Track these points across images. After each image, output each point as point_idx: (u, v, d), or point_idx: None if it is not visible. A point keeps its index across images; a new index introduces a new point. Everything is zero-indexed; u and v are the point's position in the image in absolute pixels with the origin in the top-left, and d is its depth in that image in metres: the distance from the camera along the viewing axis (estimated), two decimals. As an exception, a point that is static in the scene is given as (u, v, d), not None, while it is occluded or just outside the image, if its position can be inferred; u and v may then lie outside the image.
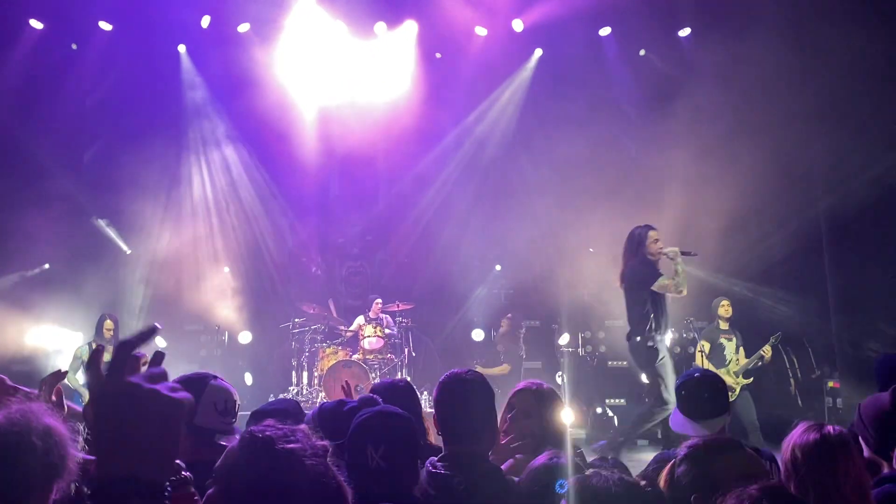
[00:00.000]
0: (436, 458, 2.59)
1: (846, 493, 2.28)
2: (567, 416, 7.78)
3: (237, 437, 1.60)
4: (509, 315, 10.50)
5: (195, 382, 2.64)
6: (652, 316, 6.43)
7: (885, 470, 2.61)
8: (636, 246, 6.63)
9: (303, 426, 1.62)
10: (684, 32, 10.09)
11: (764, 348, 7.64)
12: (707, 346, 7.88)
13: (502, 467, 2.66)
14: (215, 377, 2.74)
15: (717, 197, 8.87)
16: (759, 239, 8.73)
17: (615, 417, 9.41)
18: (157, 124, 10.30)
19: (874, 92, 8.02)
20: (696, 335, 8.39)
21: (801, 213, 8.95)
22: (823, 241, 8.96)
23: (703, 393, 3.29)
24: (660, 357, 6.44)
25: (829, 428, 2.43)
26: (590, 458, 3.55)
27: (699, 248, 7.22)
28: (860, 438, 2.99)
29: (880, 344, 7.45)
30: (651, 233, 6.67)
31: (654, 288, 6.38)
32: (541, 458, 2.22)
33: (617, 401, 9.72)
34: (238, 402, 2.74)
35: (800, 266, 8.73)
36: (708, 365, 7.73)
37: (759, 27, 8.39)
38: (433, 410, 2.77)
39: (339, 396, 3.42)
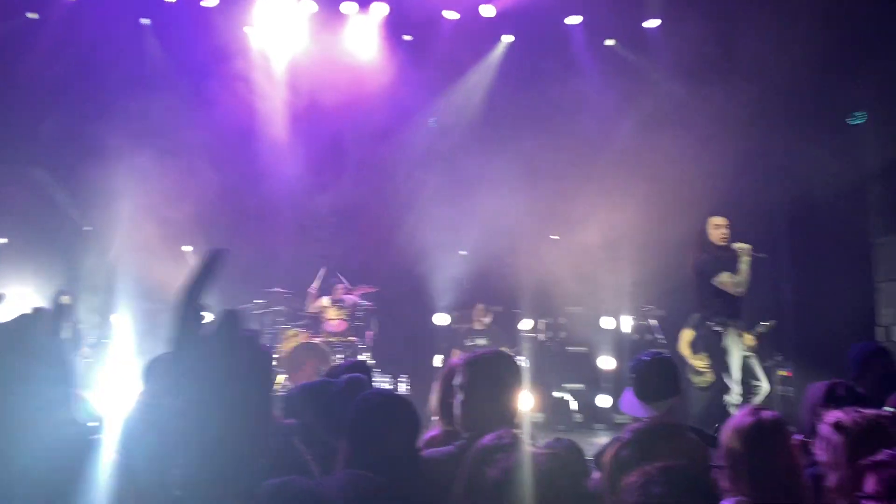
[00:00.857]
0: (471, 435, 2.60)
1: (778, 475, 2.39)
2: (526, 400, 7.88)
3: None
4: (481, 306, 10.22)
5: None
6: (718, 301, 6.47)
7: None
8: (699, 237, 6.63)
9: None
10: (652, 24, 10.17)
11: (746, 336, 7.72)
12: (690, 334, 7.97)
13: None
14: None
15: (681, 188, 9.02)
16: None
17: (572, 402, 9.55)
18: (119, 98, 10.06)
19: (835, 89, 8.23)
20: (653, 322, 8.54)
21: (761, 206, 9.15)
22: (781, 230, 9.19)
23: (651, 375, 3.40)
24: (723, 341, 6.45)
25: (764, 413, 2.54)
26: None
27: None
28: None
29: (833, 334, 7.66)
30: (711, 219, 6.64)
31: (714, 283, 6.39)
32: (485, 439, 2.26)
33: (575, 385, 9.87)
34: None
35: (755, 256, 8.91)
36: (685, 351, 7.87)
37: (726, 21, 8.53)
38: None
39: (303, 378, 3.44)
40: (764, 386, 6.49)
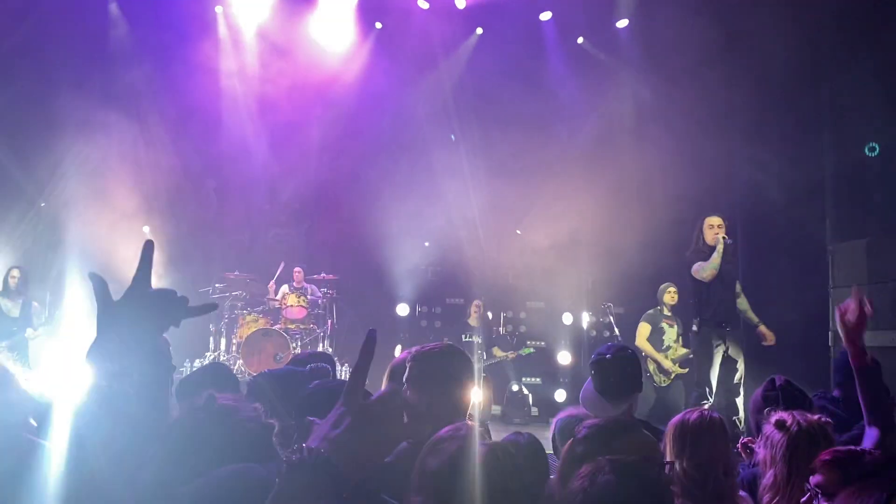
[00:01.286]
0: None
1: (706, 473, 2.47)
2: (475, 394, 7.88)
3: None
4: (478, 301, 9.88)
5: None
6: (693, 302, 6.57)
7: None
8: (696, 237, 6.65)
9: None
10: (622, 24, 10.26)
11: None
12: (648, 329, 8.06)
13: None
14: None
15: (644, 186, 9.14)
16: (679, 231, 9.02)
17: (530, 395, 9.64)
18: (79, 73, 9.81)
19: (795, 99, 8.41)
20: (612, 320, 8.63)
21: (720, 210, 9.30)
22: (737, 235, 9.35)
23: (609, 374, 3.31)
24: (702, 343, 6.52)
25: (695, 414, 2.66)
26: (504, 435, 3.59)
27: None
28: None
29: (787, 338, 7.82)
30: (707, 219, 6.61)
31: (693, 275, 6.49)
32: (442, 430, 2.21)
33: (533, 379, 9.95)
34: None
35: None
36: (647, 346, 7.96)
37: (691, 30, 8.63)
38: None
39: (260, 364, 3.39)
40: (737, 399, 6.53)
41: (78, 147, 9.78)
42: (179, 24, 9.83)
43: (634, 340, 8.05)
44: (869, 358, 2.73)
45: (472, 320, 9.67)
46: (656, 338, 8.03)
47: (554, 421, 3.41)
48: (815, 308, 7.73)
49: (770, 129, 8.62)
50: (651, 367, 7.92)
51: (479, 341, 9.23)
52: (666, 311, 8.13)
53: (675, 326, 8.08)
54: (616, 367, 3.32)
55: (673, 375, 7.85)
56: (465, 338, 9.24)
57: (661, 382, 7.85)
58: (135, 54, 10.36)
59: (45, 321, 8.54)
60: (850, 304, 2.74)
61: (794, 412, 2.71)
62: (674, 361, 7.88)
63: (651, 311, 8.20)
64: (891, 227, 7.10)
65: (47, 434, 1.75)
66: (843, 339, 2.76)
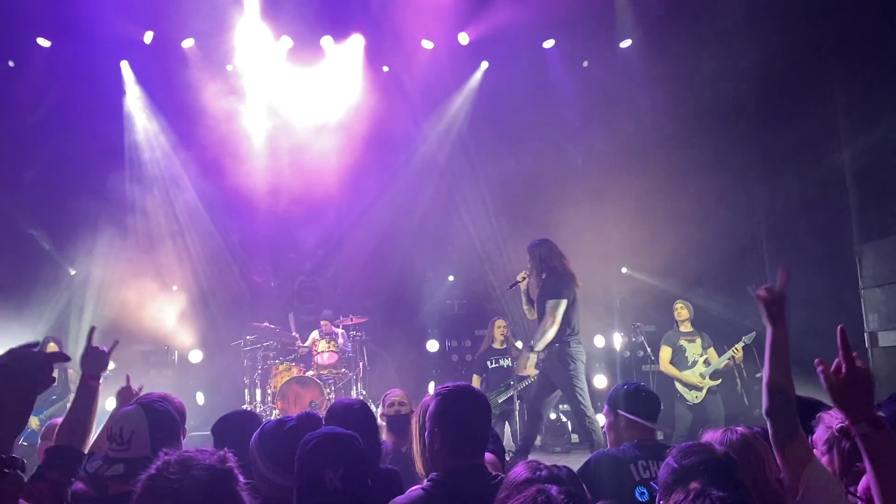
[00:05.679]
0: (441, 473, 2.49)
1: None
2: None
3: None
4: (501, 321, 8.69)
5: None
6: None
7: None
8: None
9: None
10: (625, 44, 10.34)
11: (735, 347, 7.64)
12: (669, 351, 7.98)
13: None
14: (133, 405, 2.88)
15: (662, 203, 9.11)
16: (702, 243, 8.96)
17: (568, 423, 9.52)
18: (100, 142, 10.10)
19: (810, 106, 8.39)
20: (643, 339, 8.55)
21: (740, 216, 9.26)
22: (763, 242, 9.27)
23: (641, 395, 3.58)
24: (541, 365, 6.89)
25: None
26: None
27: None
28: None
29: (820, 341, 7.68)
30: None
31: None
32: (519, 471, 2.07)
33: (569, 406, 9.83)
34: (132, 430, 2.77)
35: (740, 267, 8.99)
36: (670, 369, 7.88)
37: (697, 41, 8.68)
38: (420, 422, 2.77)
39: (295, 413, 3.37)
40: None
41: (103, 211, 10.00)
42: (192, 85, 10.09)
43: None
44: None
45: (497, 343, 8.40)
46: (679, 357, 7.95)
47: (592, 459, 3.33)
48: (846, 310, 7.62)
49: (786, 135, 8.58)
50: (679, 387, 7.83)
51: (510, 364, 7.97)
52: (682, 328, 8.06)
53: (698, 340, 7.97)
54: (641, 393, 3.61)
55: (705, 390, 7.73)
56: (491, 365, 8.20)
57: (693, 399, 7.74)
58: (152, 116, 10.66)
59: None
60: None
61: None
62: (702, 375, 7.77)
63: (669, 333, 8.14)
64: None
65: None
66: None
